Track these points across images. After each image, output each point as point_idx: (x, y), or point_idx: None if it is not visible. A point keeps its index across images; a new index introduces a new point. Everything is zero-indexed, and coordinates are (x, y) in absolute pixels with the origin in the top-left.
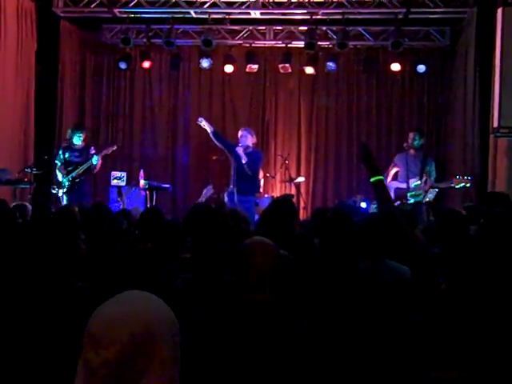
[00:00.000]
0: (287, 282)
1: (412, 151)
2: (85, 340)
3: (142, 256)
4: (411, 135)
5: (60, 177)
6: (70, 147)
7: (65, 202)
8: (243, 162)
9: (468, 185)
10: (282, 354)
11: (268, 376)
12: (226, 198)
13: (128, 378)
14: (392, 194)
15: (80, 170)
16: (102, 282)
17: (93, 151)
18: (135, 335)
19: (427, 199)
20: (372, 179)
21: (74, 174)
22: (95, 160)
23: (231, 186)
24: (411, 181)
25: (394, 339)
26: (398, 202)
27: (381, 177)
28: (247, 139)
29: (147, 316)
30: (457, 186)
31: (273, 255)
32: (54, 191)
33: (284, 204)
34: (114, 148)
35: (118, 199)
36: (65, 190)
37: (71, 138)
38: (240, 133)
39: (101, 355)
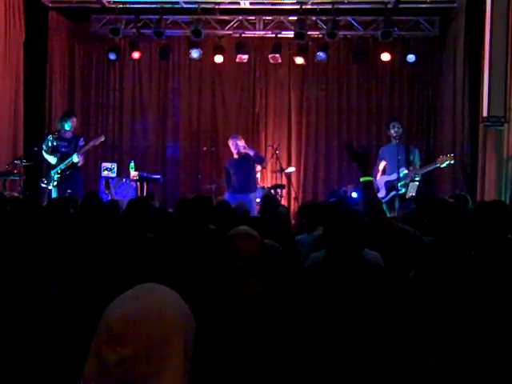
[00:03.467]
0: (276, 272)
1: (396, 141)
2: (101, 334)
3: (154, 246)
4: (393, 125)
5: (51, 159)
6: (60, 136)
7: (53, 195)
8: (251, 154)
9: (452, 161)
10: (274, 345)
11: (260, 368)
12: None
13: (143, 375)
14: (384, 189)
15: (64, 165)
16: (114, 270)
17: (82, 142)
18: (153, 334)
19: (410, 194)
20: (362, 179)
21: (62, 167)
22: (75, 158)
23: (233, 187)
24: (400, 170)
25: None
26: (392, 193)
27: (370, 178)
28: (238, 146)
29: (166, 314)
30: (442, 165)
31: (257, 244)
32: (43, 185)
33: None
34: (102, 139)
35: (106, 191)
36: (55, 183)
37: (62, 127)
38: (230, 142)
39: (118, 353)
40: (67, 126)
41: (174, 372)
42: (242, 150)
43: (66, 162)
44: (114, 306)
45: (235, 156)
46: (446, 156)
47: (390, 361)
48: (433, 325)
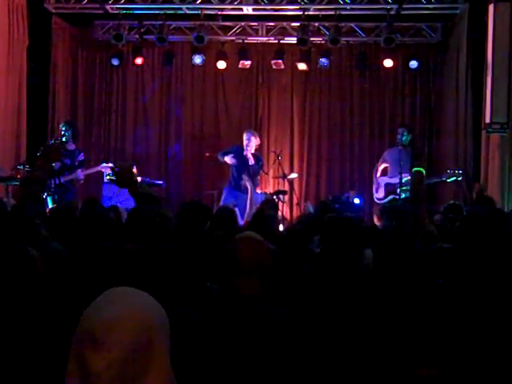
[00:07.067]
0: (274, 275)
1: (402, 147)
2: (82, 342)
3: (131, 255)
4: (400, 131)
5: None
6: (63, 145)
7: (49, 204)
8: (250, 164)
9: (459, 178)
10: (271, 347)
11: (258, 371)
12: (224, 194)
13: (132, 377)
14: (382, 189)
15: (64, 179)
16: (88, 278)
17: (81, 157)
18: (138, 335)
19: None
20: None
21: (62, 180)
22: (80, 176)
23: (232, 183)
24: (403, 175)
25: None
26: (391, 197)
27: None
28: (251, 142)
29: (146, 314)
30: (448, 180)
31: (260, 249)
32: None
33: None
34: (110, 166)
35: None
36: (49, 192)
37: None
38: (245, 136)
39: (105, 358)
40: (65, 138)
41: (160, 371)
42: (249, 154)
43: (69, 177)
44: (91, 313)
45: (245, 152)
46: (454, 171)
47: (389, 373)
48: (432, 336)
